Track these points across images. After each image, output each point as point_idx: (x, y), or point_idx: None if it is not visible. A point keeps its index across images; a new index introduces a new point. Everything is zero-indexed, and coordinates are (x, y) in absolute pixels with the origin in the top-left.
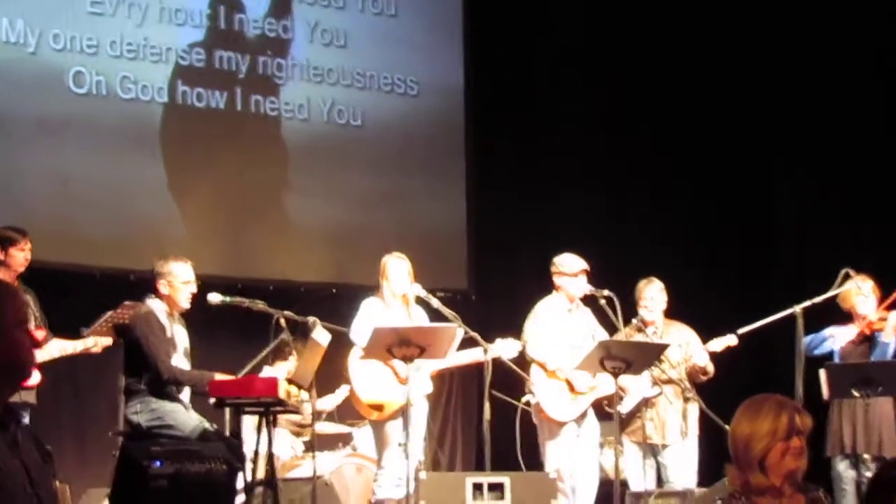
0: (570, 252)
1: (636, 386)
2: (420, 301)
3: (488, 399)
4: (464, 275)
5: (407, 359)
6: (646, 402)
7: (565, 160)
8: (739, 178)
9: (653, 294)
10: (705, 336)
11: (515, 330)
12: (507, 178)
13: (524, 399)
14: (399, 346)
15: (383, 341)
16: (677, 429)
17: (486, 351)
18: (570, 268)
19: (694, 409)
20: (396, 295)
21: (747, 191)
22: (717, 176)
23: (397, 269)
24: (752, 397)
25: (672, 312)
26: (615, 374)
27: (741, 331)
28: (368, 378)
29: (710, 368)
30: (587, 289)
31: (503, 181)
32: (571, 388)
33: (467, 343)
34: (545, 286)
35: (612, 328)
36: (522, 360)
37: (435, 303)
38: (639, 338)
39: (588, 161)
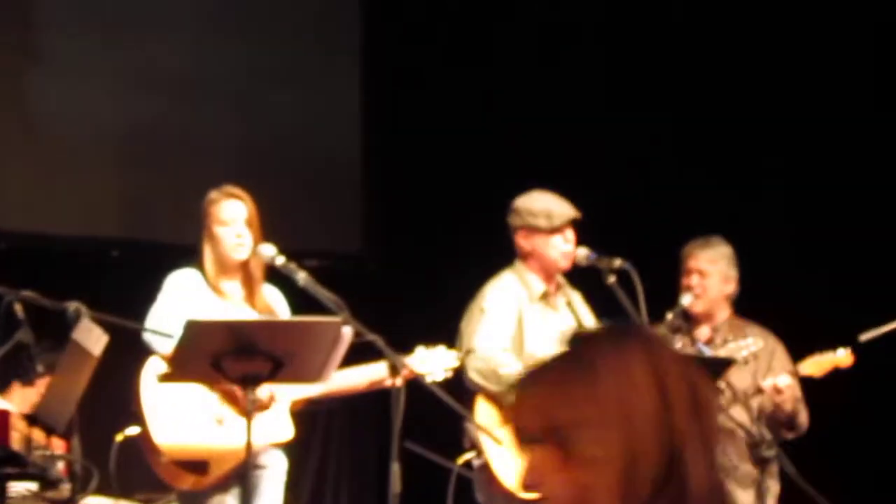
0: (545, 191)
1: None
2: (274, 276)
3: (397, 456)
4: (356, 228)
5: (249, 381)
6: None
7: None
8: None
9: (710, 266)
10: (797, 350)
11: (448, 331)
12: (432, 71)
13: (464, 457)
14: (234, 357)
15: (205, 348)
16: None
17: (394, 368)
18: (545, 216)
19: (774, 484)
20: (231, 263)
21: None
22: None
23: (232, 213)
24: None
25: (744, 308)
26: None
27: (864, 337)
28: (176, 414)
29: (803, 417)
30: (580, 255)
31: (425, 74)
32: None
33: (361, 353)
34: (500, 253)
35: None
36: (461, 386)
37: (302, 278)
38: (679, 345)
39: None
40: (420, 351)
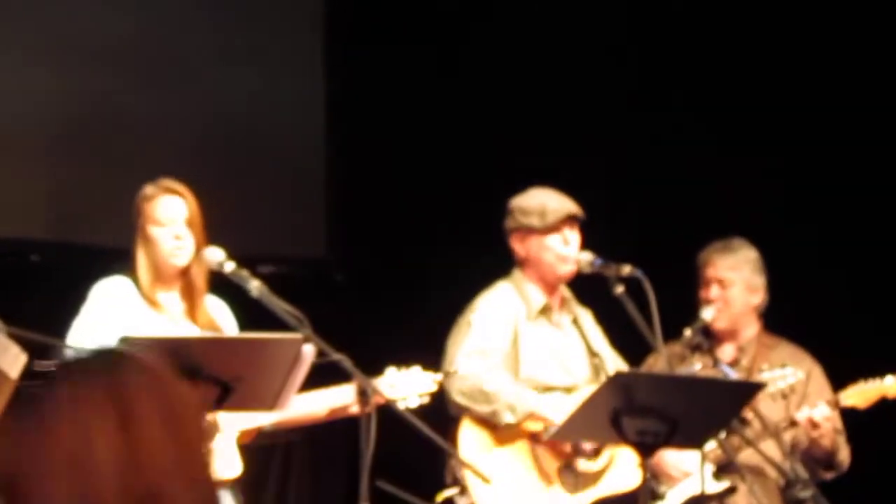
0: (545, 187)
1: (686, 471)
2: (221, 286)
3: (367, 497)
4: (320, 230)
5: None
6: None
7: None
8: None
9: (732, 273)
10: (837, 375)
11: (426, 350)
12: (407, 62)
13: (444, 495)
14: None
15: None
16: None
17: (363, 392)
18: (539, 214)
19: None
20: (169, 271)
21: None
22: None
23: (170, 212)
24: None
25: (777, 324)
26: (645, 450)
27: None
28: None
29: (844, 454)
30: (583, 261)
31: (398, 65)
32: (548, 472)
33: (324, 375)
34: (493, 261)
35: (637, 345)
36: (443, 414)
37: (255, 288)
38: (698, 366)
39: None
40: (391, 373)
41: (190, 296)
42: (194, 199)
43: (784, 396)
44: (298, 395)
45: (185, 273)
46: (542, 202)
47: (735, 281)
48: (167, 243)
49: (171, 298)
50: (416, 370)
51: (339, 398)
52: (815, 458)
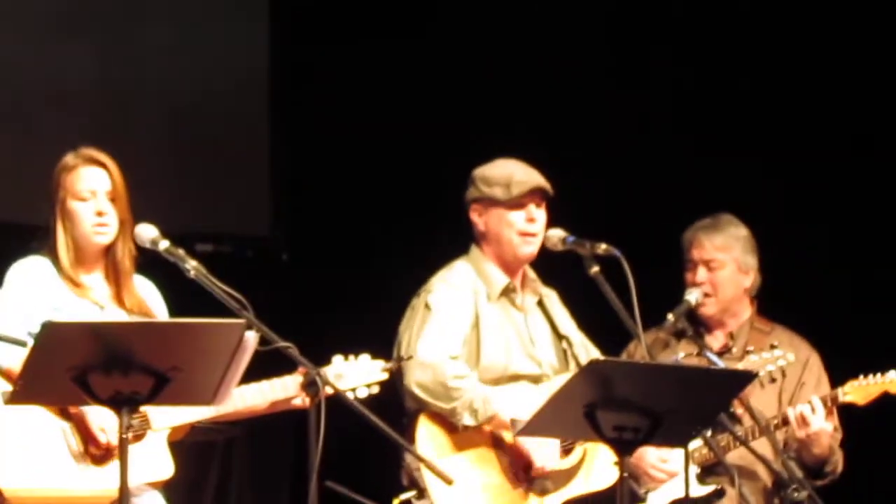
0: (512, 158)
1: (671, 458)
2: (154, 264)
3: (316, 500)
4: (264, 206)
5: (124, 402)
6: None
7: None
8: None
9: (721, 254)
10: (836, 370)
11: (378, 335)
12: (358, 25)
13: (400, 498)
14: (101, 370)
15: (66, 359)
16: None
17: (311, 384)
18: (503, 185)
19: None
20: (91, 249)
21: None
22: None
23: (92, 184)
24: None
25: (771, 310)
26: (623, 447)
27: None
28: (25, 452)
29: (836, 462)
30: (554, 237)
31: (348, 28)
32: (513, 471)
33: (267, 364)
34: (449, 241)
35: (614, 333)
36: (396, 406)
37: (192, 268)
38: (682, 355)
39: None
40: (338, 362)
41: (115, 277)
42: (118, 169)
43: (773, 381)
44: (238, 386)
45: (108, 252)
46: (509, 173)
47: (725, 262)
48: (88, 219)
49: (95, 280)
50: (365, 358)
51: (282, 389)
52: (804, 463)
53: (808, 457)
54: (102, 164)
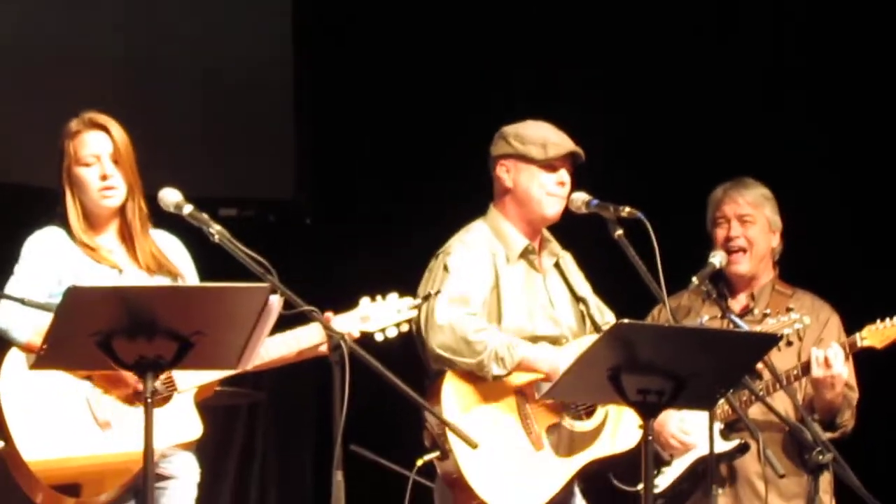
0: (544, 122)
1: (693, 432)
2: (177, 230)
3: (340, 463)
4: (288, 171)
5: (148, 367)
6: (710, 470)
7: None
8: None
9: (755, 211)
10: (854, 320)
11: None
12: None
13: (424, 459)
14: (126, 334)
15: (90, 324)
16: None
17: (336, 348)
18: (539, 144)
19: (828, 499)
20: (101, 214)
21: None
22: None
23: (94, 148)
24: None
25: (793, 273)
26: (647, 411)
27: None
28: (49, 421)
29: (847, 416)
30: (578, 200)
31: None
32: (537, 433)
33: (293, 324)
34: (469, 202)
35: (637, 297)
36: (419, 367)
37: (216, 232)
38: (706, 318)
39: None
40: (364, 303)
41: (129, 238)
42: (123, 131)
43: (790, 343)
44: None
45: (119, 215)
46: (544, 135)
47: (757, 219)
48: (94, 184)
49: (110, 243)
50: (393, 297)
51: (307, 338)
52: (815, 410)
53: (821, 403)
54: (104, 128)
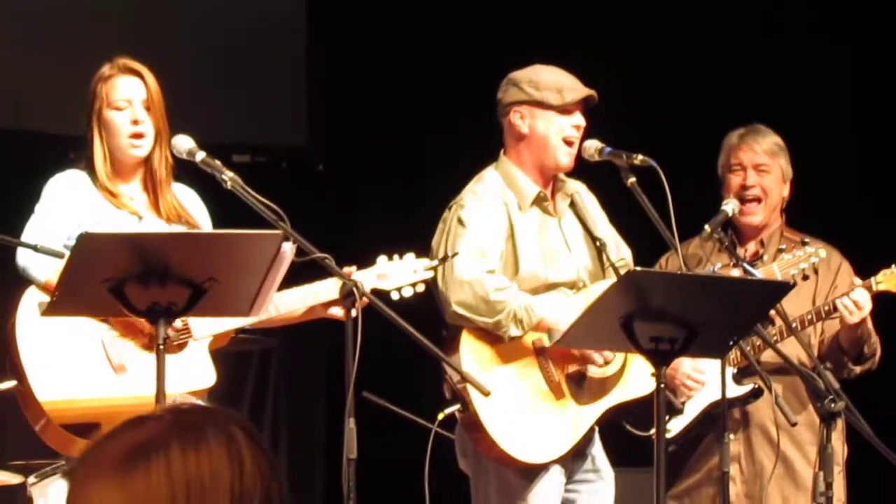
0: (554, 67)
1: (705, 379)
2: (191, 176)
3: (352, 411)
4: (301, 118)
5: (160, 314)
6: (724, 416)
7: None
8: None
9: (771, 160)
10: (865, 267)
11: (417, 247)
12: None
13: (445, 412)
14: (141, 281)
15: (103, 270)
16: (802, 478)
17: (348, 295)
18: (555, 89)
19: (840, 447)
20: (128, 160)
21: None
22: None
23: (127, 93)
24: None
25: (804, 221)
26: (660, 359)
27: None
28: (63, 362)
29: (876, 344)
30: (591, 148)
31: None
32: (557, 382)
33: (303, 275)
34: (484, 150)
35: (652, 243)
36: (435, 318)
37: (228, 179)
38: (718, 265)
39: None
40: (382, 262)
41: (152, 186)
42: (155, 79)
43: (806, 278)
44: (279, 291)
45: (145, 163)
46: (558, 80)
47: (772, 168)
48: (125, 129)
49: (133, 190)
50: (410, 257)
51: (321, 293)
52: (844, 348)
53: (852, 337)
54: (138, 73)
